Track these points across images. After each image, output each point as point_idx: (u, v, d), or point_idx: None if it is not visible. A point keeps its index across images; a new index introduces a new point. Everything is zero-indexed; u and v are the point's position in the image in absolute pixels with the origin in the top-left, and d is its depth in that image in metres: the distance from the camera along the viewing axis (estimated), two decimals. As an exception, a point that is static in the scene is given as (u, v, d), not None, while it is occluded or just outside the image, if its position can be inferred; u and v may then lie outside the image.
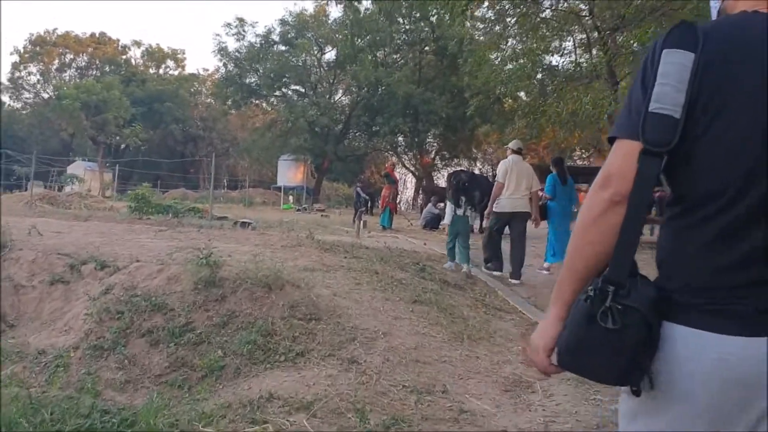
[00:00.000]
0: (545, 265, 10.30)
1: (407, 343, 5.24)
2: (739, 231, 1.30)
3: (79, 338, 5.37)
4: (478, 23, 29.19)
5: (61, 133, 45.08)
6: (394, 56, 34.49)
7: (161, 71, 56.10)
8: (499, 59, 22.12)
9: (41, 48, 52.01)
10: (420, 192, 33.91)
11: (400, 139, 34.57)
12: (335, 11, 46.18)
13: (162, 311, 5.41)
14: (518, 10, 17.55)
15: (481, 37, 24.36)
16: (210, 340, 5.08)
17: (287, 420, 3.67)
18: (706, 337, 1.29)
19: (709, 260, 1.32)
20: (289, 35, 34.24)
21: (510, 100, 28.70)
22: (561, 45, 20.47)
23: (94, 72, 53.28)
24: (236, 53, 34.35)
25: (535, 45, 18.50)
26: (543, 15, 17.82)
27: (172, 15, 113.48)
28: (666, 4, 13.11)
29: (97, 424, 3.49)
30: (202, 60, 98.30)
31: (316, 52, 35.09)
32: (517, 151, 9.65)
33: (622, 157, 1.35)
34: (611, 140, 1.41)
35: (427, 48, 32.60)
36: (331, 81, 35.38)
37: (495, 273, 9.39)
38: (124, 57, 54.91)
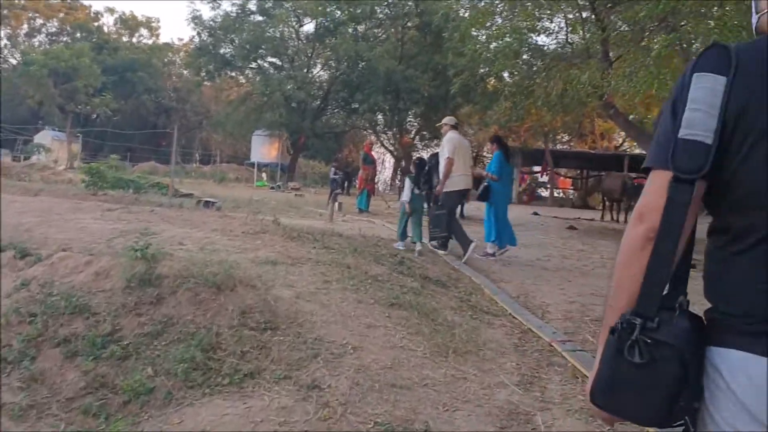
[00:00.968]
0: (488, 249, 9.66)
1: (381, 359, 4.33)
2: None
3: (-21, 346, 4.40)
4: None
5: (28, 100, 43.15)
6: (376, 30, 33.26)
7: (134, 40, 54.15)
8: (484, 37, 21.42)
9: (9, 11, 49.79)
10: (399, 173, 32.93)
11: (380, 117, 33.52)
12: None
13: (84, 315, 4.44)
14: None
15: (466, 13, 23.52)
16: (139, 353, 4.12)
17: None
18: None
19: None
20: (267, 5, 32.78)
21: (494, 81, 27.91)
22: (551, 23, 19.65)
23: (65, 39, 51.19)
24: (211, 22, 32.88)
25: (523, 23, 17.74)
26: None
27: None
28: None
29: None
30: (177, 30, 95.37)
31: (294, 24, 33.72)
32: (456, 127, 9.66)
33: (655, 190, 1.34)
34: (646, 171, 1.39)
35: (410, 23, 31.42)
36: (309, 54, 34.05)
37: (440, 252, 9.14)
38: (96, 24, 52.85)
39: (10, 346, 4.27)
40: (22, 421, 3.69)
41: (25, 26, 51.54)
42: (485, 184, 9.62)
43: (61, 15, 51.35)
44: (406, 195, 9.00)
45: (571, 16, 17.87)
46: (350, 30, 32.16)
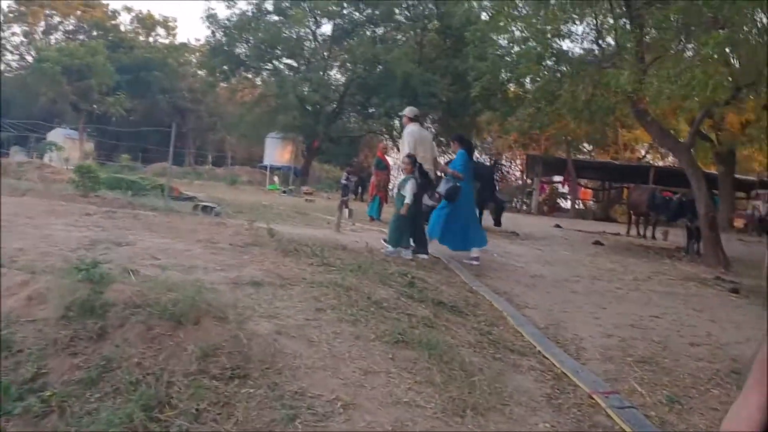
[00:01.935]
0: (473, 254, 9.19)
1: (380, 420, 3.35)
2: None
3: None
4: (485, 1, 27.28)
5: (41, 98, 42.65)
6: (394, 33, 32.34)
7: (151, 39, 53.64)
8: (506, 41, 20.57)
9: (27, 8, 49.46)
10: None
11: (397, 122, 32.54)
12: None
13: (5, 353, 3.48)
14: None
15: (488, 17, 22.69)
16: (64, 410, 3.15)
17: None
18: None
19: None
20: (283, 5, 31.91)
21: (515, 86, 26.88)
22: (578, 26, 18.66)
23: (82, 37, 50.79)
24: (226, 21, 32.10)
25: (547, 27, 16.83)
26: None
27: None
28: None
29: None
30: (194, 30, 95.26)
31: (310, 24, 32.86)
32: (416, 119, 8.99)
33: None
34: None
35: (429, 26, 30.48)
36: (326, 56, 33.17)
37: (423, 256, 8.50)
38: (113, 22, 52.37)
39: None
40: None
41: (43, 24, 51.20)
42: (455, 184, 8.90)
43: (78, 12, 50.96)
44: (409, 197, 8.16)
45: (601, 17, 16.84)
46: (368, 32, 31.30)
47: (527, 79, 23.70)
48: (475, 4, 27.32)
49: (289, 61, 33.75)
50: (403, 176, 8.57)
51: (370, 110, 30.19)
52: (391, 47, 29.23)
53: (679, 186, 21.08)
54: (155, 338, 3.60)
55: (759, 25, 8.73)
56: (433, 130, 34.64)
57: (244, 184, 31.45)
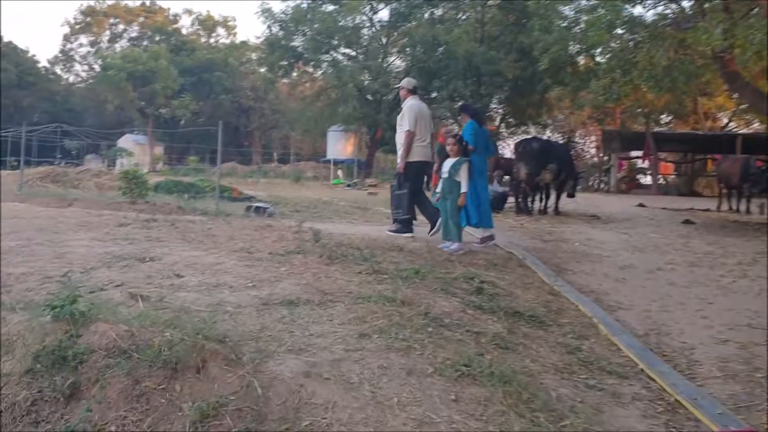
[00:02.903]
0: (484, 234, 8.25)
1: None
2: None
3: None
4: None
5: (108, 105, 43.49)
6: (454, 12, 31.05)
7: (212, 40, 54.03)
8: (573, 11, 19.30)
9: (92, 18, 50.59)
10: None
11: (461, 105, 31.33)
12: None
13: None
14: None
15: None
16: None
17: None
18: None
19: None
20: (339, -7, 31.21)
21: (585, 59, 25.29)
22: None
23: (146, 43, 51.62)
24: (282, 15, 31.56)
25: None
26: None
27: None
28: None
29: None
30: (253, 27, 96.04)
31: (367, 11, 31.93)
32: (415, 92, 8.33)
33: None
34: None
35: (490, 1, 29.07)
36: (384, 42, 32.19)
37: (404, 235, 7.84)
38: (174, 26, 52.99)
39: None
40: None
41: (108, 32, 52.27)
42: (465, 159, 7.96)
43: (141, 19, 51.77)
44: (464, 184, 7.21)
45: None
46: (426, 14, 30.17)
47: (598, 50, 22.26)
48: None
49: (346, 50, 32.97)
50: (451, 159, 7.51)
51: (433, 95, 29.02)
52: (451, 27, 28.01)
53: (768, 154, 19.23)
54: (142, 395, 2.76)
55: None
56: (501, 111, 33.33)
57: (308, 180, 30.97)
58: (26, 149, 37.46)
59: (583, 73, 24.46)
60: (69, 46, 50.83)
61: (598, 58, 23.13)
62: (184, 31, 53.30)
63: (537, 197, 14.12)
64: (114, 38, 53.11)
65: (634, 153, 33.81)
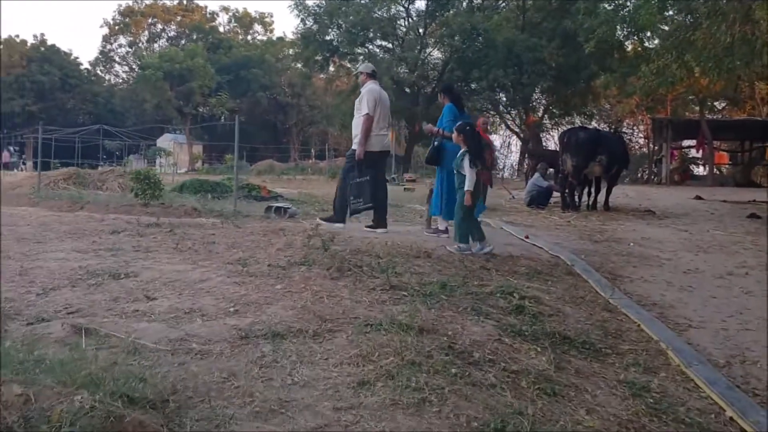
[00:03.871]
0: (438, 225, 7.71)
1: None
2: None
3: None
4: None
5: (146, 105, 43.49)
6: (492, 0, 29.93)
7: (249, 37, 53.71)
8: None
9: (130, 19, 50.75)
10: (525, 157, 29.34)
11: (502, 95, 30.15)
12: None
13: None
14: None
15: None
16: None
17: None
18: None
19: None
20: (374, -16, 30.32)
21: (634, 43, 23.96)
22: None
23: (184, 42, 51.63)
24: (316, 8, 30.82)
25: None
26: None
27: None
28: None
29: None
30: (290, 23, 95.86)
31: (403, 1, 30.94)
32: (374, 76, 7.88)
33: None
34: None
35: (532, -14, 27.90)
36: (421, 33, 31.16)
37: (337, 226, 7.40)
38: (211, 24, 52.82)
39: None
40: None
41: (146, 32, 52.40)
42: (436, 143, 7.68)
43: (179, 18, 51.72)
44: (470, 180, 6.33)
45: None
46: (464, 2, 29.09)
47: (648, 33, 20.99)
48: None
49: (382, 42, 32.11)
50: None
51: (472, 86, 27.93)
52: (491, 14, 26.97)
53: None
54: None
55: None
56: (544, 101, 32.03)
57: (346, 176, 30.16)
58: (70, 151, 37.70)
59: (631, 58, 23.18)
60: (108, 47, 51.07)
61: (647, 42, 21.86)
62: (221, 29, 53.11)
63: (585, 191, 13.00)
64: (152, 38, 53.22)
65: (686, 142, 32.14)
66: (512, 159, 40.46)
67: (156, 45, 52.94)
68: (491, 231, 9.05)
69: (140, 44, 52.21)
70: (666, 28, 17.81)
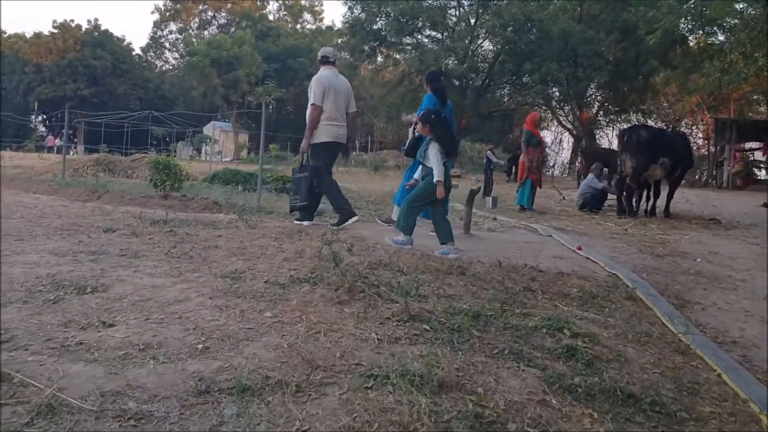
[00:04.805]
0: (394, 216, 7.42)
1: None
2: None
3: None
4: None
5: (192, 92, 43.34)
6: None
7: (298, 26, 53.21)
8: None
9: (181, 5, 50.76)
10: (578, 155, 28.00)
11: (555, 90, 28.84)
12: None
13: None
14: None
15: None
16: None
17: None
18: None
19: None
20: (425, -29, 29.31)
21: (699, 38, 22.49)
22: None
23: (233, 29, 51.46)
24: (364, -6, 30.04)
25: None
26: None
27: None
28: None
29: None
30: (340, 13, 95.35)
31: (454, -10, 29.94)
32: (331, 62, 7.31)
33: None
34: None
35: (590, -24, 26.55)
36: (472, 23, 30.01)
37: (305, 223, 7.00)
38: (261, 12, 52.52)
39: None
40: None
41: (197, 19, 52.37)
42: (416, 134, 6.92)
43: (229, 5, 51.52)
44: (437, 170, 5.69)
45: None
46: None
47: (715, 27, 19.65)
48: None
49: (431, 32, 31.08)
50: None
51: (524, 79, 26.78)
52: (546, 4, 25.70)
53: None
54: None
55: None
56: (599, 97, 30.60)
57: (389, 169, 29.36)
58: (121, 136, 37.76)
59: (695, 53, 21.78)
60: (159, 33, 51.18)
61: (712, 38, 20.47)
62: (270, 17, 52.75)
63: (644, 195, 11.89)
64: (203, 25, 53.18)
65: (750, 144, 30.29)
66: (563, 156, 39.05)
67: (206, 32, 52.89)
68: (538, 239, 8.10)
69: (190, 31, 52.19)
70: (736, 21, 16.54)
